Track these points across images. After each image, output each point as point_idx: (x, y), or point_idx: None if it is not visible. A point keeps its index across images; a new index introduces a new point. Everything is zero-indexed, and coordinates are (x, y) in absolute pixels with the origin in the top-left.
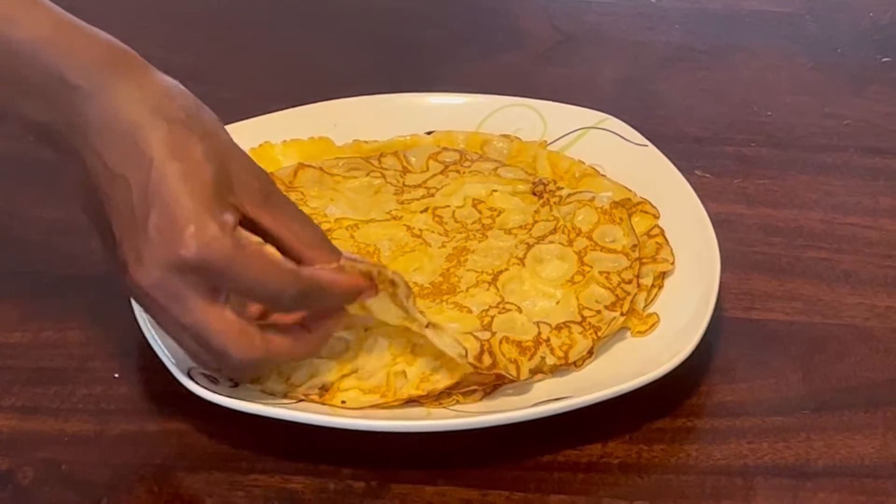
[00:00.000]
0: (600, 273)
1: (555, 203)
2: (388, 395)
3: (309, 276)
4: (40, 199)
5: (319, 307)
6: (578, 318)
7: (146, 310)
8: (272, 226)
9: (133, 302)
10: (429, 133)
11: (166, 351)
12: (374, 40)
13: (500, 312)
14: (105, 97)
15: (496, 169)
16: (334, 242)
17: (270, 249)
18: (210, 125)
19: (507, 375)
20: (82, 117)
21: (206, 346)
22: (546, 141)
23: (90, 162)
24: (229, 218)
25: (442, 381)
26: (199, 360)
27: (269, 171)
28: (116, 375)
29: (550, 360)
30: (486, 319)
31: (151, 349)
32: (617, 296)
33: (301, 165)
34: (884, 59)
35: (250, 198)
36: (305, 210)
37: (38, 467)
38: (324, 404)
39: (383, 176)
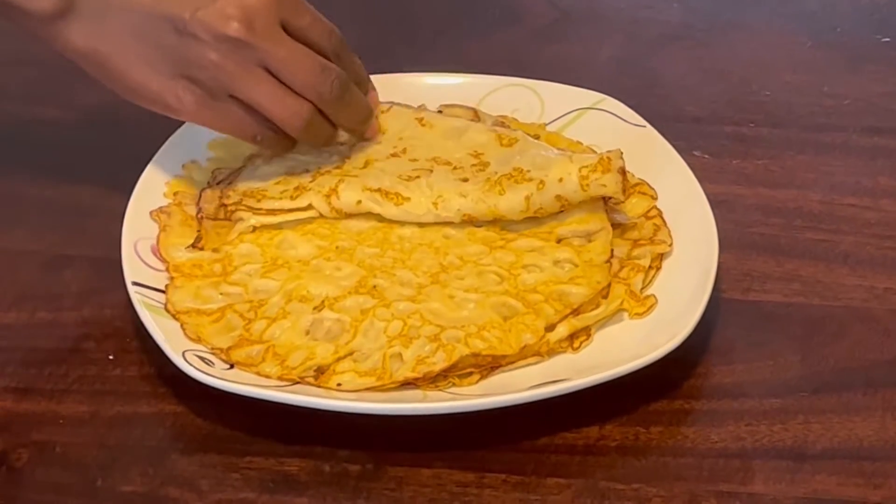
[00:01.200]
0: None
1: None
2: (383, 378)
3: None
4: (35, 179)
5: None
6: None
7: (222, 83)
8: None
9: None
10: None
11: (161, 333)
12: (368, 16)
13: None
14: None
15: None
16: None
17: None
18: None
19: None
20: None
21: (305, 70)
22: (544, 123)
23: None
24: None
25: (438, 363)
26: (279, 114)
27: None
28: (111, 357)
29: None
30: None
31: (146, 331)
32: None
33: None
34: (883, 39)
35: None
36: None
37: (32, 449)
38: (319, 387)
39: None
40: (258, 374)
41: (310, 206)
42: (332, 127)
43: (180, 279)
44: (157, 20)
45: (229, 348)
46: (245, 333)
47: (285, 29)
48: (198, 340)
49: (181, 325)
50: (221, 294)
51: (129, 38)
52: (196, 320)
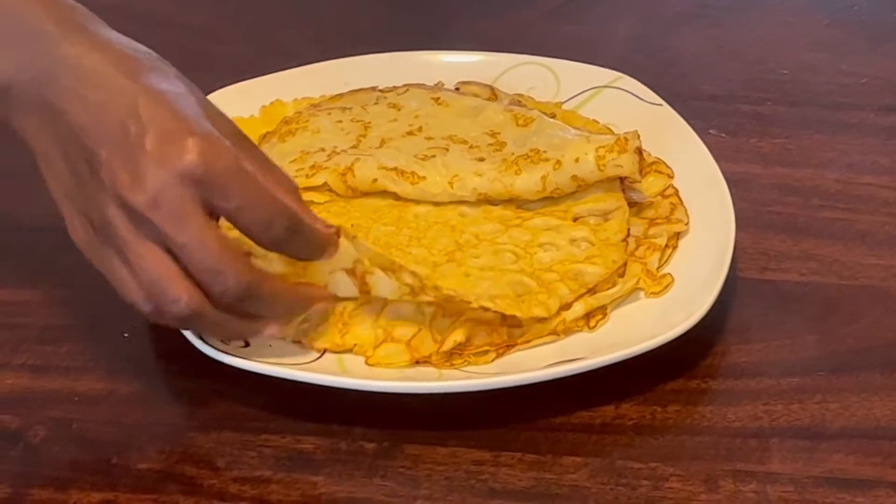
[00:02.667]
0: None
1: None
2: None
3: (297, 212)
4: None
5: (295, 252)
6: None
7: (112, 240)
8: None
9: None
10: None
11: None
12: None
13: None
14: (77, 38)
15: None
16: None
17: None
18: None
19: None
20: (54, 59)
21: (200, 265)
22: (560, 101)
23: (62, 104)
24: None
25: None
26: (159, 295)
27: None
28: (127, 335)
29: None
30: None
31: None
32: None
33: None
34: None
35: (228, 134)
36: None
37: (48, 426)
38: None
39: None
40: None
41: (325, 185)
42: (240, 323)
43: None
44: (79, 146)
45: None
46: None
47: (212, 209)
48: None
49: None
50: None
51: (54, 149)
52: None
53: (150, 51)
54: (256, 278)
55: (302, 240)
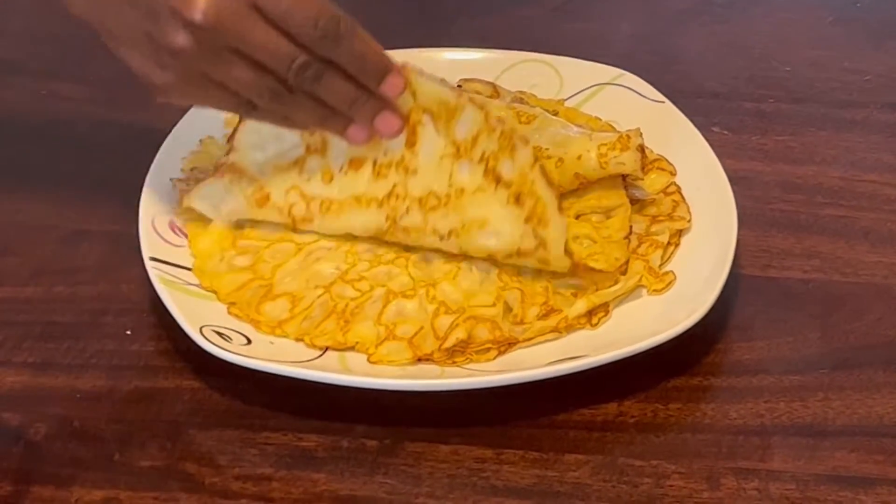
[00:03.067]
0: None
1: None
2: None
3: (341, 13)
4: (52, 154)
5: (348, 58)
6: None
7: (191, 67)
8: None
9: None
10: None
11: (178, 308)
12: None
13: None
14: None
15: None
16: None
17: None
18: None
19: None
20: None
21: (290, 11)
22: (563, 98)
23: None
24: None
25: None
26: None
27: None
28: (128, 332)
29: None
30: None
31: (164, 306)
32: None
33: None
34: None
35: None
36: None
37: (50, 423)
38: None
39: None
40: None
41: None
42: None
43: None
44: (135, 2)
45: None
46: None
47: (262, 13)
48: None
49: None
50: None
51: (113, 15)
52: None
53: None
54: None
55: (350, 40)
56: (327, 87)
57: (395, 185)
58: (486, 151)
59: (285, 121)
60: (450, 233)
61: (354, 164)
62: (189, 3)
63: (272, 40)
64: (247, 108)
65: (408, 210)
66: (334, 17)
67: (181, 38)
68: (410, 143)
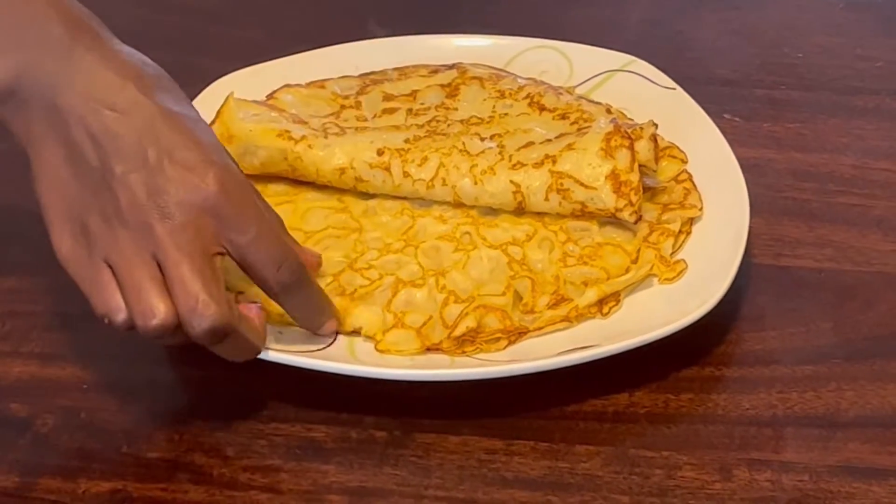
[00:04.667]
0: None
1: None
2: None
3: (302, 263)
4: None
5: (293, 303)
6: None
7: (103, 248)
8: None
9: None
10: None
11: None
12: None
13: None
14: (90, 45)
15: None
16: None
17: None
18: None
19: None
20: (66, 64)
21: (187, 289)
22: (573, 85)
23: (76, 111)
24: None
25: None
26: (140, 303)
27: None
28: None
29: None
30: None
31: None
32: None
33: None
34: None
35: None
36: None
37: (57, 414)
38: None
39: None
40: None
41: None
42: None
43: None
44: (91, 156)
45: None
46: None
47: (224, 242)
48: None
49: None
50: None
51: (56, 153)
52: None
53: (159, 67)
54: (234, 323)
55: (305, 293)
56: (231, 341)
57: (434, 116)
58: (532, 92)
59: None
60: (492, 136)
61: (388, 110)
62: (151, 201)
63: (194, 270)
64: (116, 312)
65: (448, 125)
66: (293, 267)
67: (116, 220)
68: (451, 94)
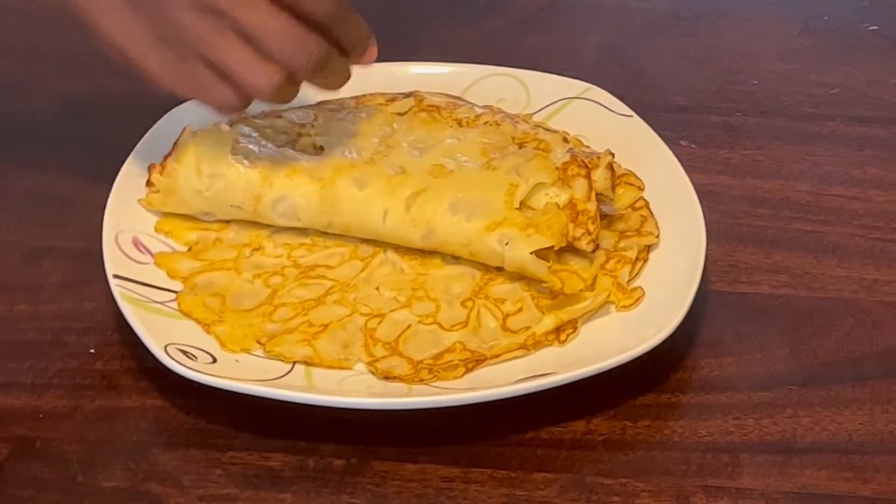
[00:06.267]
0: None
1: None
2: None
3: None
4: (15, 170)
5: (346, 32)
6: None
7: (191, 48)
8: None
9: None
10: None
11: (142, 326)
12: (352, 5)
13: None
14: None
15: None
16: None
17: None
18: None
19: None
20: None
21: (280, 41)
22: (530, 113)
23: None
24: None
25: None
26: (249, 76)
27: None
28: (92, 350)
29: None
30: None
31: (127, 324)
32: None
33: None
34: (872, 27)
35: None
36: None
37: (12, 443)
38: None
39: None
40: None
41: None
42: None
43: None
44: None
45: None
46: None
47: None
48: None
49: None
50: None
51: None
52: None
53: None
54: (332, 48)
55: (352, 20)
56: (329, 69)
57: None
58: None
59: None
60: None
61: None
62: None
63: (276, 18)
64: (241, 103)
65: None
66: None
67: (186, 15)
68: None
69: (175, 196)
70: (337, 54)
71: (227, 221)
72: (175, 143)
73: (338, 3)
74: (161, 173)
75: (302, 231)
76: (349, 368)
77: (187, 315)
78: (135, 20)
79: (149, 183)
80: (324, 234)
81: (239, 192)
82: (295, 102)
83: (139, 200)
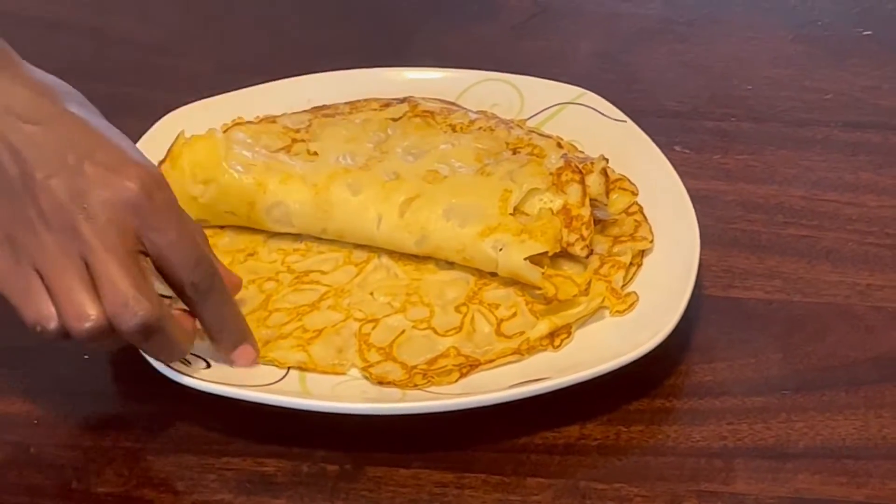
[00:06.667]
0: None
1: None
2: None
3: (217, 269)
4: None
5: (205, 308)
6: None
7: (32, 256)
8: None
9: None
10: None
11: None
12: (346, 12)
13: None
14: (3, 71)
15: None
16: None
17: None
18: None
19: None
20: None
21: (117, 288)
22: (524, 118)
23: None
24: None
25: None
26: (72, 309)
27: None
28: (86, 357)
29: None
30: None
31: None
32: None
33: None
34: (865, 32)
35: None
36: None
37: (6, 450)
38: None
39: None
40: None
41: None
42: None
43: None
44: (13, 169)
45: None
46: None
47: (143, 242)
48: None
49: None
50: None
51: None
52: None
53: (68, 85)
54: (164, 319)
55: (219, 300)
56: (157, 340)
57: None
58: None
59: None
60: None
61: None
62: (72, 196)
63: (122, 268)
64: (46, 319)
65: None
66: (207, 268)
67: (41, 224)
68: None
69: None
70: (170, 329)
71: (222, 227)
72: (169, 150)
73: (207, 271)
74: None
75: (296, 236)
76: (343, 374)
77: None
78: None
79: None
80: (318, 239)
81: (233, 198)
82: (288, 108)
83: None
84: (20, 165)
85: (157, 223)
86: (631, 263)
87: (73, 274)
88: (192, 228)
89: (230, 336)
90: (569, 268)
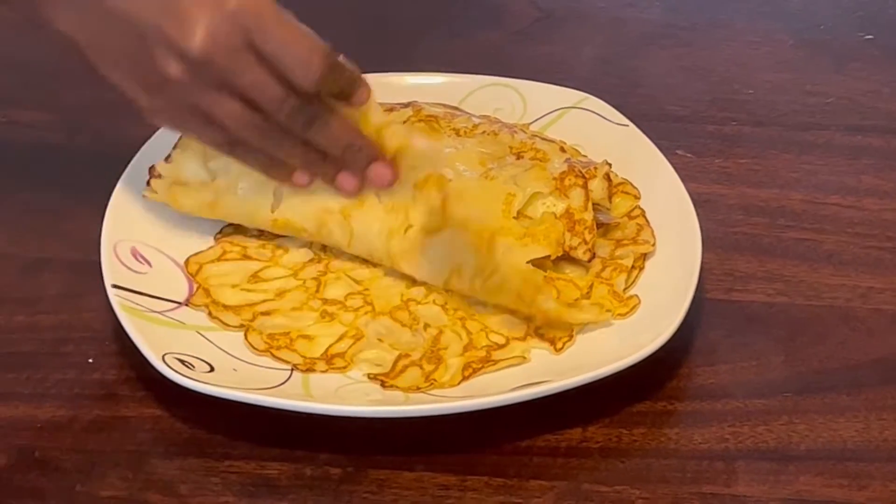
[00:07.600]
0: None
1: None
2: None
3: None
4: (13, 182)
5: (336, 88)
6: None
7: (179, 97)
8: None
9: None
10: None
11: (141, 336)
12: (349, 16)
13: None
14: None
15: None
16: None
17: None
18: None
19: None
20: None
21: (255, 96)
22: (527, 122)
23: None
24: None
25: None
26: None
27: None
28: (90, 360)
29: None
30: None
31: (126, 334)
32: None
33: None
34: (866, 37)
35: None
36: None
37: (10, 454)
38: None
39: None
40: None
41: None
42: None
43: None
44: (126, 23)
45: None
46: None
47: (257, 51)
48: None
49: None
50: None
51: (102, 34)
52: None
53: None
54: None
55: (339, 75)
56: (321, 132)
57: None
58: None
59: (270, 163)
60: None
61: None
62: (185, 34)
63: (263, 80)
64: (231, 145)
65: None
66: (327, 58)
67: (173, 68)
68: None
69: (179, 187)
70: (327, 116)
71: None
72: (176, 144)
73: (321, 62)
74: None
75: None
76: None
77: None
78: (126, 65)
79: (150, 179)
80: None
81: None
82: None
83: (143, 193)
84: (131, 19)
85: (262, 31)
86: (633, 267)
87: (223, 100)
88: (299, 26)
89: (364, 151)
90: (571, 271)
